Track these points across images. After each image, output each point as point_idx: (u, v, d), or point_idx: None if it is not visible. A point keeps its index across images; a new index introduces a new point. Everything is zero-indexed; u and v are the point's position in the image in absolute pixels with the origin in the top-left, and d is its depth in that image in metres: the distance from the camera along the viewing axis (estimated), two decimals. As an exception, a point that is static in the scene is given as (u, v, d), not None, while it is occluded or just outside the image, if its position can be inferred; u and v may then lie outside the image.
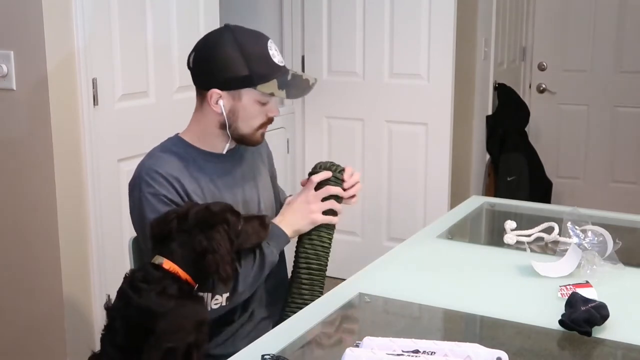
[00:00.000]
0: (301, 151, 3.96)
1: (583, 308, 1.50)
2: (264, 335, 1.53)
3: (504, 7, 4.30)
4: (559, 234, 2.04)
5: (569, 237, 1.96)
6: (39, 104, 2.33)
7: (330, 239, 1.88)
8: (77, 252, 2.48)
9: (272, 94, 1.72)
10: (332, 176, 1.87)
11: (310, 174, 1.91)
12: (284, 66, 1.76)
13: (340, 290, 1.74)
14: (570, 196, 4.71)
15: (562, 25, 4.76)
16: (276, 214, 1.94)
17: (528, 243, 2.08)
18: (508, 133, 4.31)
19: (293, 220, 1.83)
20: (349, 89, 3.82)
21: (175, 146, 1.77)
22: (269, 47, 1.73)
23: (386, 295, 1.70)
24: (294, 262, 1.88)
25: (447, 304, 1.65)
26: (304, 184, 1.91)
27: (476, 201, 2.54)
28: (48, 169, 2.36)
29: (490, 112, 4.25)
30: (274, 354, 1.38)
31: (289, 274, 1.93)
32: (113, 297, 1.58)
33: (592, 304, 1.51)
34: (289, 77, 1.75)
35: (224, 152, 1.81)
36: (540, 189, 4.48)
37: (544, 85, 4.89)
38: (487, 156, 4.30)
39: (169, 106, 2.78)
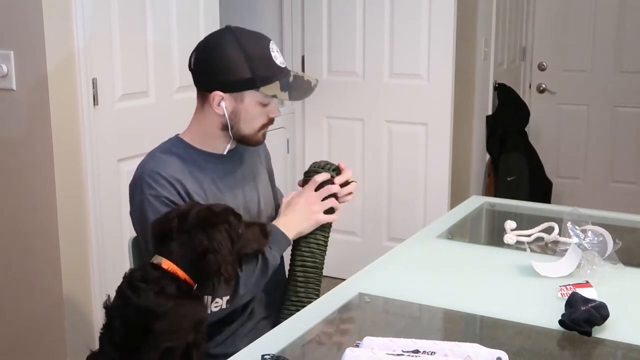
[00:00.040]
0: (301, 151, 3.96)
1: (583, 308, 1.50)
2: (264, 335, 1.53)
3: (504, 7, 4.30)
4: (559, 234, 2.04)
5: (569, 237, 1.96)
6: (39, 104, 2.33)
7: (326, 239, 1.89)
8: (77, 252, 2.48)
9: (274, 96, 1.72)
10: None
11: (306, 173, 1.91)
12: (285, 67, 1.76)
13: (340, 290, 1.74)
14: (570, 196, 4.71)
15: (562, 25, 4.76)
16: (275, 215, 1.94)
17: (528, 243, 2.08)
18: (508, 133, 4.31)
19: (295, 222, 1.83)
20: (349, 89, 3.82)
21: (175, 147, 1.77)
22: (270, 49, 1.73)
23: (386, 295, 1.70)
24: (290, 261, 1.88)
25: (447, 304, 1.65)
26: (301, 184, 1.91)
27: (476, 201, 2.54)
28: (48, 169, 2.36)
29: (490, 112, 4.25)
30: (274, 354, 1.38)
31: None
32: (113, 296, 1.58)
33: (592, 304, 1.51)
34: (291, 79, 1.75)
35: (225, 153, 1.81)
36: (540, 189, 4.48)
37: (544, 85, 4.89)
38: (487, 156, 4.30)
39: (169, 106, 2.78)
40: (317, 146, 3.93)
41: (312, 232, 1.86)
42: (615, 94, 4.66)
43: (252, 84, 1.70)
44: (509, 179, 4.25)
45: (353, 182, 1.90)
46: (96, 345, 1.60)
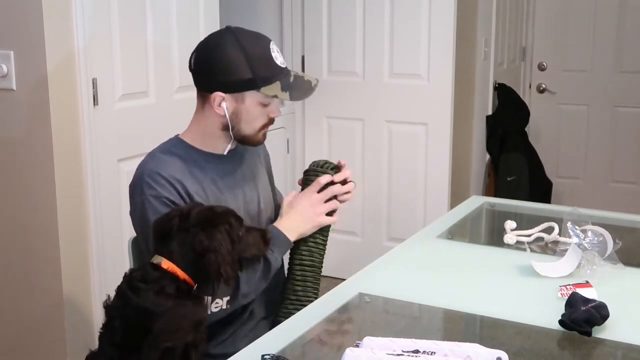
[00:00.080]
0: (301, 151, 3.96)
1: (583, 308, 1.50)
2: (264, 335, 1.53)
3: (504, 7, 4.31)
4: (559, 234, 2.04)
5: (569, 237, 1.96)
6: (39, 104, 2.33)
7: (325, 239, 1.89)
8: (77, 252, 2.48)
9: (275, 96, 1.72)
10: (325, 174, 1.87)
11: (305, 172, 1.91)
12: (286, 67, 1.76)
13: (340, 290, 1.74)
14: (570, 196, 4.71)
15: (562, 25, 4.76)
16: (274, 215, 1.95)
17: (528, 243, 2.08)
18: (508, 133, 4.31)
19: (298, 223, 1.83)
20: (349, 89, 3.82)
21: (175, 147, 1.77)
22: (271, 49, 1.73)
23: (386, 295, 1.70)
24: (289, 261, 1.88)
25: (447, 304, 1.65)
26: (301, 183, 1.91)
27: (476, 201, 2.54)
28: (48, 169, 2.36)
29: (490, 112, 4.25)
30: (274, 354, 1.38)
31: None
32: (113, 296, 1.58)
33: (592, 304, 1.51)
34: (292, 79, 1.75)
35: (225, 153, 1.81)
36: (540, 189, 4.48)
37: (544, 85, 4.89)
38: (487, 156, 4.30)
39: (169, 106, 2.78)
40: (317, 146, 3.93)
41: (312, 235, 1.86)
42: (615, 94, 4.67)
43: (253, 84, 1.70)
44: (509, 179, 4.26)
45: (351, 182, 1.90)
46: (96, 345, 1.60)
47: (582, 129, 4.80)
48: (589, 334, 1.47)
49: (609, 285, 1.71)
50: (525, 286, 1.76)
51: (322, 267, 1.89)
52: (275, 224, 1.83)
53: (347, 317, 1.66)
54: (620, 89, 4.65)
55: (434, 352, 1.25)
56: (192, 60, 1.76)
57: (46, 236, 2.40)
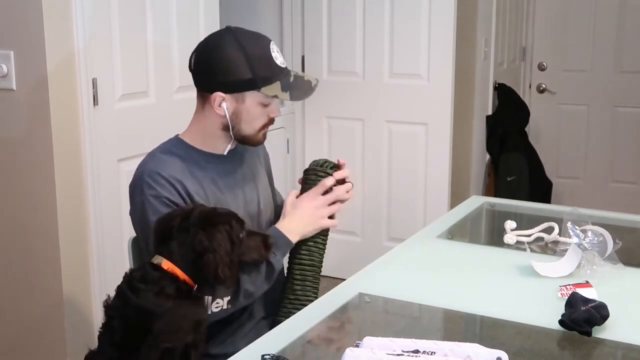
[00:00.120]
0: (301, 151, 3.96)
1: (583, 308, 1.50)
2: (264, 335, 1.53)
3: (504, 7, 4.31)
4: (559, 234, 2.04)
5: (569, 237, 1.96)
6: (39, 104, 2.33)
7: (324, 239, 1.89)
8: (77, 252, 2.48)
9: (275, 96, 1.72)
10: (325, 174, 1.87)
11: (305, 171, 1.91)
12: (286, 67, 1.76)
13: (340, 290, 1.74)
14: (570, 196, 4.71)
15: (562, 25, 4.76)
16: (275, 216, 1.95)
17: (528, 243, 2.08)
18: (508, 133, 4.31)
19: (300, 225, 1.82)
20: (349, 89, 3.82)
21: (175, 147, 1.77)
22: (271, 49, 1.73)
23: (386, 295, 1.70)
24: (289, 261, 1.88)
25: (447, 304, 1.65)
26: (301, 182, 1.91)
27: (476, 201, 2.54)
28: (48, 169, 2.36)
29: (490, 112, 4.25)
30: (274, 354, 1.38)
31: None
32: (113, 296, 1.58)
33: (592, 304, 1.51)
34: (292, 79, 1.75)
35: (225, 153, 1.81)
36: (540, 189, 4.48)
37: (544, 85, 4.89)
38: (487, 156, 4.30)
39: (169, 106, 2.78)
40: (317, 146, 3.93)
41: (313, 237, 1.86)
42: (615, 94, 4.67)
43: (253, 84, 1.70)
44: (509, 179, 4.26)
45: (349, 183, 1.90)
46: (96, 345, 1.60)
47: (582, 129, 4.80)
48: (589, 334, 1.47)
49: (609, 285, 1.71)
50: (525, 286, 1.76)
51: (321, 267, 1.89)
52: (277, 224, 1.83)
53: (347, 317, 1.66)
54: (620, 89, 4.65)
55: (434, 352, 1.25)
56: (192, 61, 1.75)
57: (46, 236, 2.40)
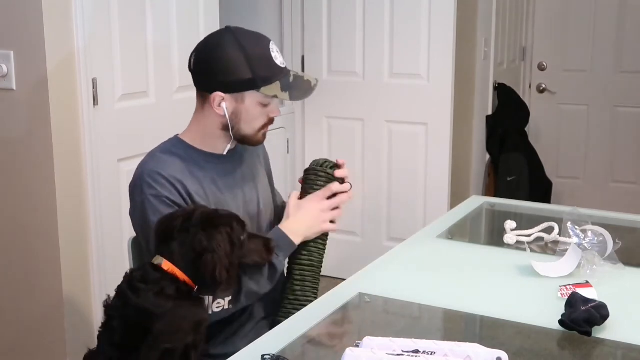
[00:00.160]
0: (301, 151, 3.96)
1: (583, 308, 1.50)
2: (264, 335, 1.53)
3: (504, 7, 4.31)
4: (559, 234, 2.04)
5: (569, 237, 1.96)
6: (39, 104, 2.33)
7: (324, 242, 1.89)
8: (77, 252, 2.48)
9: (275, 96, 1.72)
10: (325, 173, 1.87)
11: (306, 171, 1.91)
12: (285, 67, 1.76)
13: (340, 290, 1.74)
14: (570, 196, 4.71)
15: (562, 25, 4.76)
16: (274, 216, 1.95)
17: (528, 243, 2.08)
18: (508, 133, 4.31)
19: (303, 227, 1.83)
20: (349, 89, 3.82)
21: (175, 147, 1.77)
22: (270, 49, 1.73)
23: (386, 295, 1.70)
24: (289, 262, 1.88)
25: (447, 304, 1.65)
26: (301, 182, 1.91)
27: (476, 201, 2.54)
28: (48, 169, 2.36)
29: (490, 112, 4.25)
30: (274, 354, 1.38)
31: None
32: (113, 296, 1.58)
33: (592, 304, 1.51)
34: (291, 79, 1.75)
35: (225, 153, 1.81)
36: (540, 189, 4.48)
37: (544, 85, 4.89)
38: (487, 156, 4.30)
39: (169, 106, 2.78)
40: (317, 146, 3.93)
41: (314, 240, 1.86)
42: (615, 94, 4.66)
43: (253, 84, 1.70)
44: (509, 179, 4.26)
45: (347, 184, 1.90)
46: (95, 345, 1.60)
47: (582, 129, 4.80)
48: (589, 334, 1.47)
49: (609, 285, 1.71)
50: (525, 286, 1.76)
51: (321, 267, 1.89)
52: (281, 225, 1.83)
53: (347, 317, 1.66)
54: (620, 89, 4.65)
55: (434, 352, 1.25)
56: (192, 61, 1.75)
57: (46, 236, 2.40)
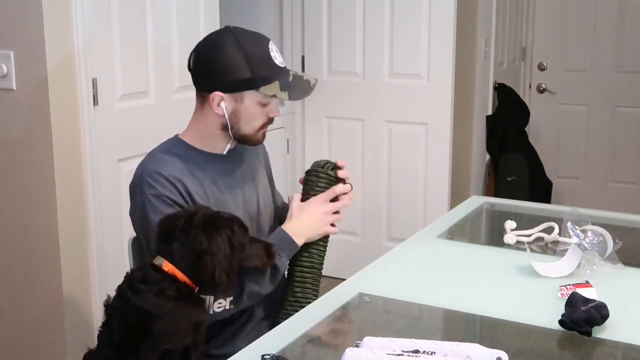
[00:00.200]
0: (301, 151, 3.96)
1: (583, 308, 1.50)
2: (264, 336, 1.53)
3: (504, 7, 4.30)
4: (559, 234, 2.04)
5: (569, 237, 1.96)
6: (39, 104, 2.33)
7: (325, 244, 1.89)
8: (77, 252, 2.48)
9: (274, 96, 1.72)
10: (326, 175, 1.87)
11: (307, 172, 1.91)
12: (285, 67, 1.76)
13: (340, 290, 1.74)
14: (570, 196, 4.71)
15: (562, 25, 4.76)
16: (274, 216, 1.95)
17: (528, 243, 2.08)
18: (508, 133, 4.31)
19: (306, 229, 1.83)
20: (349, 89, 3.82)
21: (175, 147, 1.77)
22: (270, 49, 1.73)
23: (386, 295, 1.70)
24: (289, 265, 1.87)
25: (447, 304, 1.65)
26: (302, 182, 1.91)
27: (476, 201, 2.54)
28: (48, 169, 2.36)
29: (490, 112, 4.25)
30: (274, 354, 1.38)
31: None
32: (113, 296, 1.58)
33: (592, 304, 1.51)
34: (291, 79, 1.75)
35: (224, 153, 1.81)
36: (540, 189, 4.48)
37: (544, 85, 4.89)
38: (487, 156, 4.30)
39: (169, 106, 2.78)
40: (317, 146, 3.93)
41: (315, 242, 1.86)
42: (615, 94, 4.66)
43: (252, 84, 1.70)
44: (509, 179, 4.25)
45: (348, 184, 1.90)
46: (95, 345, 1.60)
47: (582, 129, 4.80)
48: (589, 334, 1.47)
49: (609, 285, 1.71)
50: (525, 286, 1.76)
51: (322, 270, 1.89)
52: (284, 226, 1.83)
53: (347, 317, 1.66)
54: (620, 89, 4.65)
55: (434, 352, 1.25)
56: (191, 60, 1.76)
57: (46, 236, 2.40)
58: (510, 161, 4.29)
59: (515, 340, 1.50)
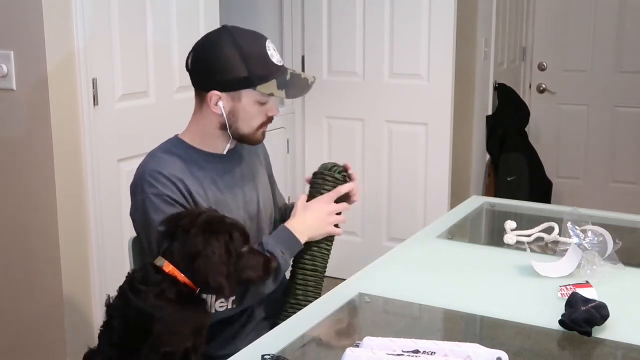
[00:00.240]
0: (301, 151, 3.96)
1: (583, 308, 1.50)
2: (264, 336, 1.53)
3: (504, 7, 4.30)
4: (559, 234, 2.04)
5: (569, 237, 1.96)
6: (39, 104, 2.33)
7: (328, 246, 1.89)
8: (77, 252, 2.48)
9: (271, 94, 1.72)
10: (333, 178, 1.87)
11: (314, 174, 1.91)
12: (282, 65, 1.76)
13: (340, 290, 1.74)
14: (570, 196, 4.71)
15: (562, 25, 4.76)
16: (274, 216, 1.95)
17: (528, 243, 2.08)
18: (508, 133, 4.31)
19: (310, 227, 1.83)
20: (349, 89, 3.82)
21: (175, 147, 1.77)
22: (267, 47, 1.73)
23: (386, 295, 1.70)
24: (292, 266, 1.88)
25: (447, 304, 1.65)
26: (309, 180, 1.91)
27: (476, 201, 2.54)
28: (48, 169, 2.36)
29: (490, 112, 4.25)
30: (274, 354, 1.38)
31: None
32: (113, 296, 1.58)
33: (592, 304, 1.51)
34: (288, 77, 1.75)
35: (224, 153, 1.81)
36: (540, 189, 4.48)
37: (544, 85, 4.89)
38: (487, 156, 4.30)
39: (169, 106, 2.78)
40: (317, 146, 3.93)
41: (318, 244, 1.86)
42: (615, 94, 4.66)
43: (249, 82, 1.70)
44: (509, 179, 4.25)
45: (352, 182, 1.90)
46: (95, 345, 1.60)
47: (582, 129, 4.80)
48: (589, 334, 1.47)
49: (609, 285, 1.71)
50: (525, 286, 1.76)
51: (324, 272, 1.88)
52: (287, 223, 1.83)
53: (347, 317, 1.66)
54: (620, 89, 4.65)
55: (434, 352, 1.25)
56: (189, 60, 1.76)
57: (46, 236, 2.40)
58: (510, 161, 4.29)
59: (515, 340, 1.50)
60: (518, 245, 2.07)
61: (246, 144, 1.83)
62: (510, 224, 2.15)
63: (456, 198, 3.60)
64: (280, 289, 1.89)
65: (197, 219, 1.54)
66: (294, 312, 1.76)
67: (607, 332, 1.48)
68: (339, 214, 1.87)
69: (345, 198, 1.90)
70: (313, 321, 1.56)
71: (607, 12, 4.61)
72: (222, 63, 1.69)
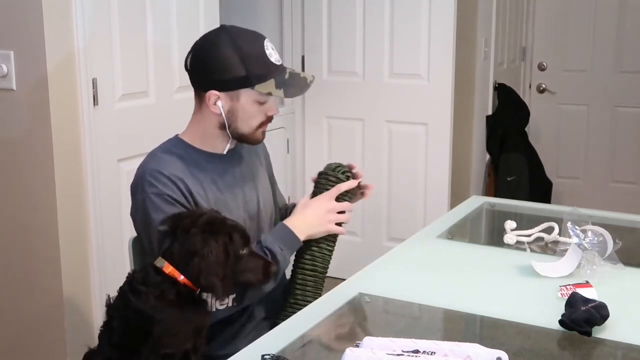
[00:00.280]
0: (301, 151, 3.96)
1: (583, 308, 1.50)
2: (264, 335, 1.53)
3: (504, 7, 4.30)
4: (559, 234, 2.04)
5: (569, 237, 1.96)
6: (39, 104, 2.33)
7: (330, 247, 1.89)
8: (77, 252, 2.48)
9: (269, 94, 1.72)
10: (336, 177, 1.88)
11: (319, 174, 1.91)
12: (281, 65, 1.76)
13: (340, 290, 1.74)
14: (570, 196, 4.71)
15: (562, 25, 4.76)
16: (274, 216, 1.94)
17: (528, 243, 2.08)
18: (508, 133, 4.31)
19: (309, 225, 1.83)
20: (349, 89, 3.82)
21: (176, 147, 1.77)
22: (265, 47, 1.73)
23: (386, 295, 1.70)
24: (292, 266, 1.87)
25: (447, 304, 1.65)
26: (315, 180, 1.91)
27: (476, 201, 2.54)
28: (48, 169, 2.36)
29: (490, 112, 4.25)
30: (274, 354, 1.38)
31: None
32: (113, 297, 1.58)
33: (592, 304, 1.51)
34: (287, 76, 1.75)
35: (225, 153, 1.81)
36: (540, 189, 4.48)
37: (544, 85, 4.89)
38: (487, 156, 4.30)
39: (169, 106, 2.78)
40: (317, 146, 3.93)
41: (318, 244, 1.86)
42: (615, 94, 4.66)
43: (247, 82, 1.70)
44: (509, 179, 4.25)
45: (353, 181, 1.90)
46: (95, 345, 1.60)
47: (582, 129, 4.80)
48: (589, 334, 1.47)
49: (609, 285, 1.71)
50: (525, 286, 1.76)
51: (325, 273, 1.88)
52: (286, 221, 1.83)
53: (347, 317, 1.66)
54: (620, 89, 4.65)
55: (434, 352, 1.25)
56: (188, 60, 1.76)
57: (46, 236, 2.40)
58: (510, 161, 4.29)
59: (515, 340, 1.50)
60: (518, 245, 2.06)
61: (246, 143, 1.83)
62: (510, 224, 2.15)
63: (456, 198, 3.60)
64: (280, 289, 1.89)
65: (198, 219, 1.54)
66: (294, 312, 1.76)
67: (607, 332, 1.48)
68: (342, 213, 1.87)
69: (354, 196, 1.90)
70: (313, 321, 1.56)
71: (607, 12, 4.61)
72: (220, 62, 1.69)
